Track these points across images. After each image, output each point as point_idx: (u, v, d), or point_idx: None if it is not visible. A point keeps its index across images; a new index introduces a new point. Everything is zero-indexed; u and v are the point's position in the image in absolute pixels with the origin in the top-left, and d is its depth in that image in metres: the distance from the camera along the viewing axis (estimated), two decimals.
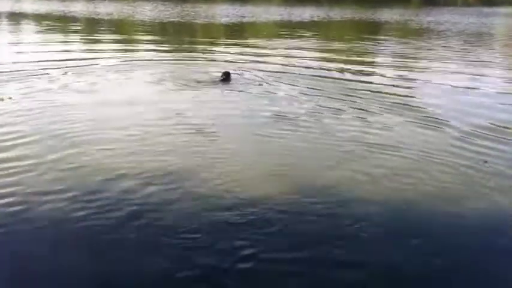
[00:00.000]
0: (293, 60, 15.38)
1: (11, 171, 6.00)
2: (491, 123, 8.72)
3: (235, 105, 9.55)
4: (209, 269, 4.28)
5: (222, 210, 5.22)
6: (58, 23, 25.86)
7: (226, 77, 11.46)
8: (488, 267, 4.53)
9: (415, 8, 56.69)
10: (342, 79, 12.60)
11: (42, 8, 33.34)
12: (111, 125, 7.94)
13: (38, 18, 27.81)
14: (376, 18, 36.35)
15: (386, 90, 11.30)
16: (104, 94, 10.27)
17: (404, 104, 9.96)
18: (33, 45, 17.69)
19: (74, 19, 27.88)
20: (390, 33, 26.97)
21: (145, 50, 17.51)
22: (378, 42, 22.07)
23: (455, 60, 16.91)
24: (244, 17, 32.72)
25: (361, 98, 10.34)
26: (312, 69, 13.80)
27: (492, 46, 22.81)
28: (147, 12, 33.65)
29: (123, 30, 25.27)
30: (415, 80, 13.20)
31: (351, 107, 9.53)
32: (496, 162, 6.83)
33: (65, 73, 12.10)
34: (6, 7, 34.93)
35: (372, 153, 7.08)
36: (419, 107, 9.78)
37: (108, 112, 8.77)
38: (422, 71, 14.60)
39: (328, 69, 14.04)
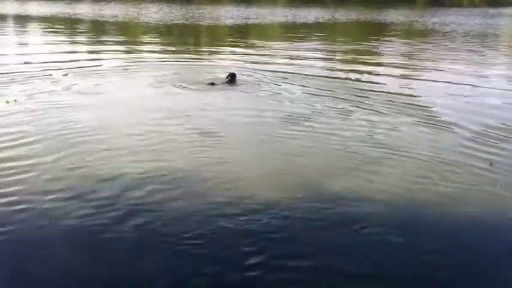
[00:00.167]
0: (299, 62, 15.34)
1: (14, 171, 6.01)
2: (498, 124, 8.66)
3: (240, 106, 9.52)
4: (211, 273, 4.22)
5: (226, 214, 5.17)
6: (63, 25, 25.93)
7: (231, 78, 11.44)
8: (495, 269, 4.50)
9: (421, 9, 56.52)
10: (348, 80, 12.55)
11: (48, 10, 33.45)
12: (115, 127, 7.93)
13: (43, 20, 27.88)
14: (381, 19, 36.28)
15: (393, 91, 11.24)
16: (108, 96, 10.26)
17: (410, 105, 9.90)
18: (38, 47, 17.73)
19: (79, 21, 27.95)
20: (396, 34, 26.90)
21: (150, 51, 17.51)
22: (384, 44, 22.00)
23: (461, 61, 16.82)
24: (249, 18, 32.72)
25: (368, 99, 10.29)
26: (317, 71, 13.75)
27: (498, 47, 22.69)
28: (152, 14, 33.70)
29: (128, 32, 25.30)
30: (421, 80, 13.14)
31: (358, 108, 9.49)
32: (502, 164, 6.77)
33: (70, 75, 12.12)
34: (12, 9, 35.08)
35: (380, 154, 7.03)
36: (426, 108, 9.72)
37: (113, 114, 8.76)
38: (429, 72, 14.53)
39: (334, 70, 14.01)
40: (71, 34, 22.23)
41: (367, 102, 10.01)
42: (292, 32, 26.24)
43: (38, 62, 13.73)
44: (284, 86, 11.47)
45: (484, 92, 11.82)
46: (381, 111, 9.34)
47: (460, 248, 4.79)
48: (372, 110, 9.41)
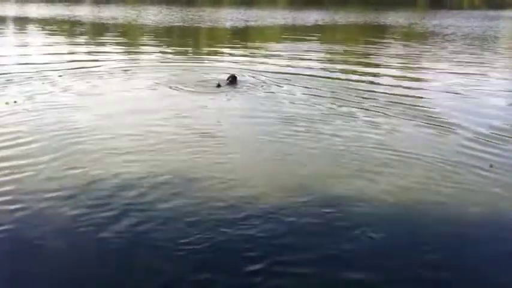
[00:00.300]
0: (299, 64, 15.31)
1: (12, 170, 6.01)
2: (500, 125, 8.67)
3: (241, 108, 9.49)
4: (209, 277, 4.19)
5: (225, 217, 5.13)
6: (63, 27, 25.92)
7: (232, 80, 11.40)
8: (496, 270, 4.48)
9: (421, 11, 56.60)
10: (349, 82, 12.53)
11: (47, 13, 33.46)
12: (114, 128, 7.90)
13: (43, 22, 27.88)
14: (381, 21, 36.29)
15: (394, 93, 11.24)
16: (107, 97, 10.25)
17: (411, 107, 9.88)
18: (37, 48, 17.71)
19: (78, 23, 27.94)
20: (396, 37, 26.91)
21: (150, 54, 17.47)
22: (384, 46, 21.99)
23: (462, 63, 16.80)
24: (249, 20, 32.72)
25: (369, 100, 10.28)
26: (318, 72, 13.73)
27: (498, 49, 22.68)
28: (151, 17, 33.69)
29: (127, 34, 25.29)
30: (422, 82, 13.13)
31: (359, 110, 9.46)
32: (503, 165, 6.77)
33: (69, 76, 12.10)
34: (12, 11, 35.08)
35: (381, 156, 7.02)
36: (427, 109, 9.71)
37: (111, 115, 8.73)
38: (430, 74, 14.50)
39: (335, 72, 13.98)
40: (70, 36, 22.21)
41: (368, 104, 9.99)
42: (293, 34, 26.22)
43: (37, 64, 13.72)
44: (285, 87, 11.45)
45: (486, 93, 11.82)
46: (383, 112, 9.33)
47: (461, 250, 4.77)
48: (374, 111, 9.39)
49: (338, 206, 5.44)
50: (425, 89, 12.14)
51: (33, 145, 6.96)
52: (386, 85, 12.25)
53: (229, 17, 35.07)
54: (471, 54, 19.59)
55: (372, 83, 12.56)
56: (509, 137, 8.08)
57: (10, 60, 14.59)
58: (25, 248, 4.56)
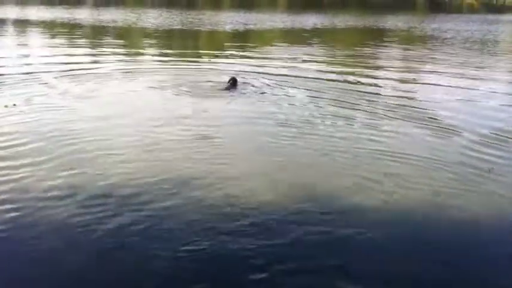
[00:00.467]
0: (299, 67, 15.32)
1: (11, 172, 6.01)
2: (501, 128, 8.70)
3: (241, 111, 9.49)
4: (212, 279, 4.18)
5: (226, 219, 5.13)
6: (62, 30, 25.91)
7: (233, 83, 11.40)
8: (495, 274, 4.48)
9: (420, 15, 56.66)
10: (349, 85, 12.54)
11: (47, 16, 33.45)
12: (114, 131, 7.90)
13: (43, 25, 27.87)
14: (380, 25, 36.32)
15: (394, 96, 11.27)
16: (106, 100, 10.25)
17: (411, 110, 9.91)
18: (37, 51, 17.67)
19: (78, 26, 27.94)
20: (395, 41, 26.93)
21: (149, 56, 17.48)
22: (384, 49, 22.01)
23: (461, 66, 16.82)
24: (248, 24, 32.73)
25: (370, 104, 10.29)
26: (318, 75, 13.73)
27: (498, 53, 22.71)
28: (151, 20, 33.69)
29: (127, 37, 25.29)
30: (421, 85, 13.16)
31: (358, 114, 9.46)
32: (502, 170, 6.77)
33: (69, 79, 12.08)
34: (12, 14, 35.07)
35: (379, 159, 7.04)
36: (427, 113, 9.74)
37: (111, 117, 8.72)
38: (429, 78, 14.52)
39: (334, 76, 13.97)
40: (70, 39, 22.20)
41: (369, 106, 10.01)
42: (292, 37, 26.23)
43: (36, 66, 13.73)
44: (286, 90, 11.45)
45: (486, 96, 11.85)
46: (384, 115, 9.36)
47: (463, 252, 4.79)
48: (375, 114, 9.42)
49: (339, 211, 5.44)
50: (426, 92, 12.18)
51: (32, 147, 6.96)
52: (386, 88, 12.27)
53: (229, 21, 35.09)
54: (471, 57, 19.63)
55: (372, 86, 12.56)
56: (510, 138, 8.09)
57: (9, 63, 14.57)
58: (21, 248, 4.55)
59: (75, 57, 16.27)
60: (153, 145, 7.25)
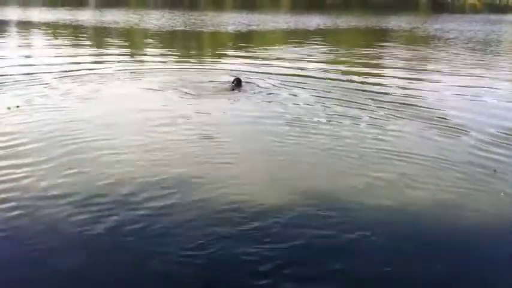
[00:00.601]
0: (303, 67, 15.28)
1: (14, 175, 5.98)
2: (507, 129, 8.63)
3: (246, 111, 9.45)
4: (212, 281, 4.13)
5: (229, 220, 5.10)
6: (65, 31, 25.90)
7: (237, 83, 11.34)
8: (497, 275, 4.48)
9: (423, 15, 56.59)
10: (353, 85, 12.49)
11: (49, 17, 33.44)
12: (117, 132, 7.88)
13: (45, 26, 27.86)
14: (383, 25, 36.25)
15: (398, 97, 11.22)
16: (109, 101, 10.23)
17: (416, 110, 9.88)
18: (40, 52, 17.67)
19: (80, 28, 27.92)
20: (399, 41, 26.87)
21: (153, 58, 17.43)
22: (387, 50, 21.94)
23: (465, 67, 16.77)
24: (251, 25, 32.69)
25: (374, 103, 10.25)
26: (322, 76, 13.67)
27: (502, 53, 22.64)
28: (153, 21, 33.66)
29: (129, 38, 25.26)
30: (426, 86, 13.07)
31: (363, 113, 9.41)
32: (508, 170, 6.74)
33: (71, 80, 12.05)
34: (14, 16, 35.09)
35: (386, 159, 7.02)
36: (433, 113, 9.71)
37: (115, 119, 8.70)
38: (434, 78, 14.46)
39: (338, 76, 13.93)
40: (72, 40, 22.19)
41: (373, 106, 9.97)
42: (295, 38, 26.18)
43: (39, 67, 13.68)
44: (290, 90, 11.40)
45: (490, 96, 11.83)
46: (389, 115, 9.35)
47: (463, 253, 4.77)
48: (379, 114, 9.41)
49: (345, 212, 5.42)
50: (431, 92, 12.14)
51: (34, 147, 6.95)
52: (391, 87, 12.24)
53: (232, 21, 35.04)
54: (475, 57, 19.57)
55: (377, 85, 12.52)
56: None
57: (12, 64, 14.54)
58: (21, 248, 4.53)
59: (78, 58, 16.23)
60: (155, 145, 7.21)
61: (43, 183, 5.79)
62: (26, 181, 5.84)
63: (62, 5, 48.91)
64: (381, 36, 29.40)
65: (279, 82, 12.27)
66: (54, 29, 26.79)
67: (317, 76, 13.55)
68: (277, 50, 20.28)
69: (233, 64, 15.74)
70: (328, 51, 20.68)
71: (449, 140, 8.02)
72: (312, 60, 17.44)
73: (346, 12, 51.89)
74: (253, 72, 13.71)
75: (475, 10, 71.98)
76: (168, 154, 6.89)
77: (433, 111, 9.79)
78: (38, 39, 22.65)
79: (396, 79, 13.89)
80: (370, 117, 9.17)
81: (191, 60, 17.09)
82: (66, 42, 21.30)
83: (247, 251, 4.54)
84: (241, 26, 31.91)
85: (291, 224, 5.07)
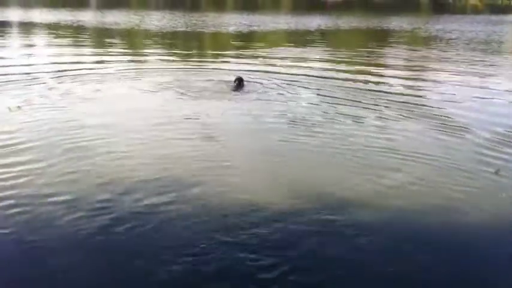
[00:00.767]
0: (305, 68, 15.25)
1: (14, 175, 5.97)
2: (508, 130, 8.59)
3: (248, 111, 9.44)
4: (212, 282, 4.11)
5: (230, 221, 5.07)
6: (66, 32, 25.91)
7: (239, 82, 11.31)
8: (498, 276, 4.47)
9: (424, 15, 56.54)
10: (355, 86, 12.48)
11: (51, 18, 33.44)
12: (118, 132, 7.87)
13: (46, 27, 27.88)
14: (384, 26, 36.21)
15: (400, 97, 11.23)
16: (109, 101, 10.22)
17: (420, 109, 9.87)
18: (40, 53, 17.68)
19: (81, 28, 27.92)
20: (400, 41, 26.83)
21: (154, 58, 17.41)
22: (388, 50, 21.92)
23: (468, 67, 16.74)
24: (252, 26, 32.67)
25: (376, 104, 10.23)
26: (324, 76, 13.67)
27: (504, 53, 22.61)
28: (154, 22, 33.65)
29: (130, 39, 25.26)
30: (429, 86, 13.06)
31: (367, 113, 9.41)
32: (509, 171, 6.71)
33: (73, 81, 12.04)
34: (16, 16, 35.11)
35: (387, 158, 7.02)
36: (437, 112, 9.72)
37: (116, 119, 8.70)
38: (436, 79, 14.42)
39: (341, 76, 13.92)
40: (73, 41, 22.19)
41: (376, 106, 9.96)
42: (296, 39, 26.17)
43: (40, 68, 13.67)
44: (292, 90, 11.40)
45: (494, 97, 11.78)
46: (391, 115, 9.34)
47: (463, 253, 4.77)
48: (383, 113, 9.40)
49: (345, 212, 5.39)
50: (436, 91, 12.16)
51: (34, 148, 6.94)
52: (393, 87, 12.23)
53: (232, 22, 35.03)
54: (477, 57, 19.53)
55: (378, 86, 12.51)
56: None
57: (13, 64, 14.55)
58: (20, 248, 4.52)
59: (78, 58, 16.23)
60: (156, 145, 7.21)
61: (42, 183, 5.78)
62: (25, 180, 5.83)
63: (63, 6, 48.92)
64: (382, 36, 29.37)
65: (281, 82, 12.25)
66: (55, 29, 26.80)
67: (319, 76, 13.55)
68: (278, 50, 20.26)
69: (234, 64, 15.74)
70: (329, 52, 20.67)
71: (452, 139, 8.01)
72: (314, 60, 17.42)
73: (347, 13, 51.86)
74: (255, 72, 13.70)
75: (476, 11, 71.90)
76: (168, 154, 6.88)
77: (438, 110, 9.79)
78: (39, 39, 22.66)
79: (398, 79, 13.87)
80: (372, 116, 9.16)
81: (192, 60, 17.08)
82: (67, 43, 21.30)
83: (248, 251, 4.52)
84: (242, 26, 31.89)
85: (291, 224, 5.05)
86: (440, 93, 11.90)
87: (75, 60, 15.62)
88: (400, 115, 9.33)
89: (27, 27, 27.91)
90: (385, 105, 10.09)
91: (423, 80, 14.15)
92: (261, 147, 7.40)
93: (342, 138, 7.83)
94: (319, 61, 17.28)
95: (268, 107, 9.72)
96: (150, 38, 24.30)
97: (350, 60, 18.25)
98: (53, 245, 4.58)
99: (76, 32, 26.17)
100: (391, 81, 13.38)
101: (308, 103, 10.15)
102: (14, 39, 22.37)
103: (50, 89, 10.94)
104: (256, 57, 17.81)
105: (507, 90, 12.70)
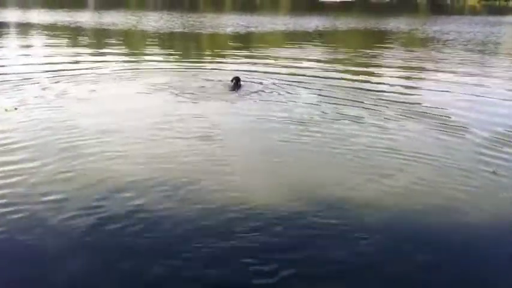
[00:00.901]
0: (302, 68, 15.25)
1: (12, 177, 5.93)
2: (506, 130, 8.58)
3: (246, 111, 9.42)
4: (212, 282, 4.08)
5: (230, 221, 5.04)
6: (63, 32, 25.86)
7: (236, 82, 11.28)
8: (498, 276, 4.46)
9: (422, 16, 56.62)
10: (353, 86, 12.47)
11: (48, 19, 33.41)
12: (114, 132, 7.84)
13: (44, 28, 27.83)
14: (382, 27, 36.24)
15: (399, 97, 11.22)
16: (109, 102, 10.18)
17: (420, 110, 9.87)
18: (37, 54, 17.63)
19: (78, 29, 27.89)
20: (397, 42, 26.85)
21: (151, 59, 17.38)
22: (386, 51, 21.91)
23: (466, 67, 16.75)
24: (250, 27, 32.67)
25: (374, 105, 10.23)
26: (322, 76, 13.64)
27: (502, 54, 22.63)
28: (152, 23, 33.62)
29: (128, 39, 25.23)
30: (427, 87, 13.07)
31: (366, 114, 9.40)
32: (508, 171, 6.69)
33: (69, 81, 12.01)
34: (14, 17, 35.07)
35: (386, 158, 7.00)
36: (437, 113, 9.71)
37: (112, 119, 8.66)
38: (435, 79, 14.40)
39: (339, 76, 13.91)
40: (70, 41, 22.15)
41: (375, 107, 9.96)
42: (294, 39, 26.17)
43: (37, 69, 13.62)
44: (290, 90, 11.38)
45: (493, 97, 11.79)
46: (390, 115, 9.34)
47: (463, 253, 4.76)
48: (382, 114, 9.40)
49: (346, 212, 5.39)
50: (434, 92, 12.18)
51: (32, 150, 6.89)
52: (391, 88, 12.22)
53: (230, 23, 35.02)
54: (475, 58, 19.58)
55: (378, 87, 12.48)
56: None
57: (9, 66, 14.51)
58: (19, 249, 4.50)
59: (75, 59, 16.19)
60: (153, 146, 7.18)
61: (40, 184, 5.76)
62: (19, 180, 5.82)
63: (61, 7, 48.88)
64: (380, 37, 29.38)
65: (279, 82, 12.24)
66: (52, 30, 26.75)
67: (317, 76, 13.54)
68: (276, 51, 20.25)
69: (232, 64, 15.72)
70: (327, 52, 20.67)
71: (452, 139, 8.00)
72: (312, 60, 17.42)
73: (345, 14, 51.90)
74: (252, 72, 13.68)
75: (474, 12, 72.02)
76: (165, 154, 6.84)
77: (434, 110, 9.78)
78: (36, 40, 22.62)
79: (397, 79, 13.89)
80: (371, 117, 9.14)
81: (189, 61, 17.06)
82: (63, 43, 21.26)
83: (248, 251, 4.49)
84: (239, 27, 31.88)
85: (292, 224, 5.03)
86: (439, 93, 11.89)
87: (72, 61, 15.59)
88: (399, 115, 9.32)
89: (24, 28, 27.86)
90: (384, 105, 10.08)
91: (421, 80, 14.15)
92: (259, 147, 7.37)
93: (341, 139, 7.81)
94: (318, 61, 17.27)
95: (266, 107, 9.70)
96: (147, 39, 24.29)
97: (348, 60, 18.25)
98: (51, 244, 4.56)
99: (73, 32, 26.14)
100: (390, 81, 13.37)
101: (306, 103, 10.13)
102: (11, 40, 22.34)
103: (48, 90, 10.89)
104: (254, 57, 17.79)
105: (505, 91, 12.70)
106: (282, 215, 5.19)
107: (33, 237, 4.66)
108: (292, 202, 5.50)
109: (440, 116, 9.39)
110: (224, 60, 17.52)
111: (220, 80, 12.11)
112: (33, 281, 4.10)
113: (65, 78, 12.25)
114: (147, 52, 19.31)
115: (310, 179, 6.22)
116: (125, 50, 19.83)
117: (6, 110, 9.00)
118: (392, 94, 11.47)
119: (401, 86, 12.76)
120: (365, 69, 15.95)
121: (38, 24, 30.11)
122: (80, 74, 12.95)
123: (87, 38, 24.70)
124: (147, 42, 23.09)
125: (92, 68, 14.10)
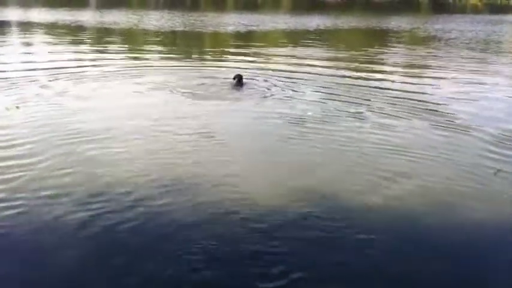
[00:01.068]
0: (304, 66, 15.22)
1: (12, 176, 5.92)
2: (508, 130, 8.55)
3: (248, 109, 9.42)
4: (212, 282, 4.07)
5: (230, 221, 5.04)
6: (64, 31, 25.86)
7: (238, 80, 11.27)
8: (498, 277, 4.44)
9: (424, 15, 56.52)
10: (355, 84, 12.46)
11: (49, 18, 33.39)
12: (117, 131, 7.83)
13: (45, 27, 27.83)
14: (383, 26, 36.18)
15: (402, 95, 11.20)
16: (106, 100, 10.21)
17: (422, 108, 9.86)
18: (38, 52, 17.65)
19: (79, 28, 27.88)
20: (401, 41, 26.81)
21: (152, 57, 17.37)
22: (389, 50, 21.89)
23: (468, 66, 16.71)
24: (251, 25, 32.63)
25: (379, 103, 10.22)
26: (324, 74, 13.62)
27: (504, 53, 22.59)
28: (153, 22, 33.60)
29: (128, 38, 25.23)
30: (429, 85, 13.03)
31: (368, 112, 9.39)
32: (509, 171, 6.66)
33: (71, 80, 11.99)
34: (15, 16, 35.06)
35: (388, 157, 6.99)
36: (439, 111, 9.69)
37: (112, 118, 8.65)
38: (437, 78, 14.39)
39: (340, 75, 13.90)
40: (72, 40, 22.15)
41: (378, 105, 9.94)
42: (296, 38, 26.14)
43: (38, 68, 13.64)
44: (292, 88, 11.38)
45: (496, 96, 11.78)
46: (393, 114, 9.32)
47: (463, 253, 4.75)
48: (384, 113, 9.38)
49: (346, 211, 5.38)
50: (437, 91, 12.15)
51: (34, 148, 6.89)
52: (393, 87, 12.22)
53: (231, 22, 34.98)
54: (477, 57, 19.54)
55: (380, 85, 12.48)
56: None
57: (11, 65, 14.51)
58: (18, 247, 4.51)
59: (77, 58, 16.20)
60: (154, 144, 7.17)
61: (40, 183, 5.75)
62: (23, 181, 5.80)
63: (62, 6, 48.87)
64: (381, 36, 29.34)
65: (281, 80, 12.23)
66: (53, 29, 26.75)
67: (319, 74, 13.52)
68: (277, 50, 20.23)
69: (233, 62, 15.72)
70: (329, 51, 20.66)
71: (453, 138, 8.00)
72: (314, 59, 17.38)
73: (346, 13, 51.82)
74: (255, 70, 13.67)
75: (476, 10, 71.88)
76: (167, 153, 6.84)
77: (436, 109, 9.76)
78: (37, 39, 22.61)
79: (399, 78, 13.88)
80: (375, 116, 9.13)
81: (190, 59, 17.05)
82: (64, 42, 21.27)
83: (248, 252, 4.49)
84: (240, 26, 31.85)
85: (295, 224, 5.02)
86: (441, 92, 11.88)
87: (73, 60, 15.59)
88: (403, 113, 9.31)
89: (25, 27, 27.85)
90: (387, 103, 10.08)
91: (424, 79, 14.14)
92: (262, 145, 7.37)
93: (345, 137, 7.80)
94: (319, 60, 17.24)
95: (268, 105, 9.69)
96: (148, 38, 24.28)
97: (350, 59, 18.23)
98: (50, 244, 4.56)
99: (74, 31, 26.14)
100: (393, 80, 13.37)
101: (310, 101, 10.12)
102: (12, 39, 22.33)
103: (49, 89, 10.90)
104: (256, 56, 17.78)
105: (507, 89, 12.67)
106: (285, 215, 5.18)
107: (28, 233, 4.68)
108: (295, 202, 5.49)
109: (443, 114, 9.39)
110: (226, 58, 17.52)
111: (222, 78, 12.10)
112: (28, 276, 4.10)
113: (66, 77, 12.26)
114: (148, 51, 19.30)
115: (314, 179, 6.20)
116: (126, 49, 19.83)
117: (7, 108, 9.00)
118: (395, 92, 11.46)
119: (405, 84, 12.76)
120: (367, 67, 15.92)
121: (39, 23, 30.11)
122: (81, 73, 12.96)
123: (88, 36, 24.69)
124: (148, 41, 23.08)
125: (93, 67, 14.10)
